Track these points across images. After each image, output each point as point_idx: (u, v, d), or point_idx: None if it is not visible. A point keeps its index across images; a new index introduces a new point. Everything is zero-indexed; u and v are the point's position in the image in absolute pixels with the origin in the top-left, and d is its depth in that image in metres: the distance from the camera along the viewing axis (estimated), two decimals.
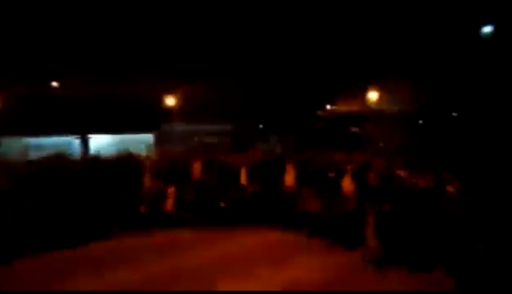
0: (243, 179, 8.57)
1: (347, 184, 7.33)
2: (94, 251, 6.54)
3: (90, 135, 16.01)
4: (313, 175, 7.86)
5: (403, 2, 10.39)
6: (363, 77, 11.26)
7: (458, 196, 5.90)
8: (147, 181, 8.52)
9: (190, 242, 7.05)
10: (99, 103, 15.38)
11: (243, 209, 8.08)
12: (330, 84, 12.27)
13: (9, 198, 6.90)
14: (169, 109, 14.42)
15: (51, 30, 12.54)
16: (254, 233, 7.41)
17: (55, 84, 15.19)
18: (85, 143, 15.89)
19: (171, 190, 8.34)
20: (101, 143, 15.48)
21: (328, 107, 13.38)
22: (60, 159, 9.09)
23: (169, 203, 8.29)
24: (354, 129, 11.94)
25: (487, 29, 10.73)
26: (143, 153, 12.41)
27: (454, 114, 11.83)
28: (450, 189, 6.06)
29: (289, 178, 8.17)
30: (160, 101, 14.32)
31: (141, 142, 15.12)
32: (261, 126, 14.42)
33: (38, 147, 13.32)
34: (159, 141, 15.92)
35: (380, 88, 11.18)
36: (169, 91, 13.88)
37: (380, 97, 11.26)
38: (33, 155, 11.33)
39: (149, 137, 16.24)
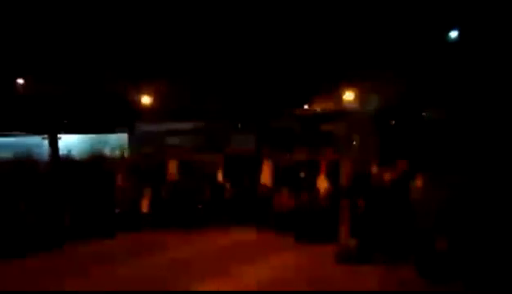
0: (219, 178, 8.55)
1: (321, 182, 7.48)
2: (58, 258, 6.36)
3: (59, 135, 15.36)
4: (287, 175, 7.97)
5: (375, 5, 10.76)
6: (336, 77, 11.54)
7: (423, 190, 6.15)
8: (121, 182, 8.32)
9: (162, 242, 7.01)
10: (69, 102, 14.80)
11: (218, 209, 8.08)
12: (305, 83, 12.46)
13: None
14: (143, 108, 14.12)
15: (17, 23, 11.95)
16: (228, 233, 7.47)
17: (20, 81, 14.46)
18: (54, 143, 15.22)
19: (146, 191, 8.21)
20: (71, 143, 14.90)
21: (302, 106, 13.57)
22: (25, 160, 8.67)
23: (145, 204, 8.16)
24: (327, 128, 12.20)
25: (454, 34, 11.36)
26: (116, 153, 12.11)
27: (423, 114, 12.38)
28: (417, 183, 6.31)
29: (265, 177, 8.24)
30: (134, 100, 13.99)
31: (114, 142, 14.71)
32: (239, 125, 14.41)
33: (3, 147, 12.66)
34: (132, 141, 15.54)
35: (354, 88, 11.51)
36: (144, 90, 13.60)
37: (353, 97, 11.60)
38: None
39: (122, 137, 15.81)
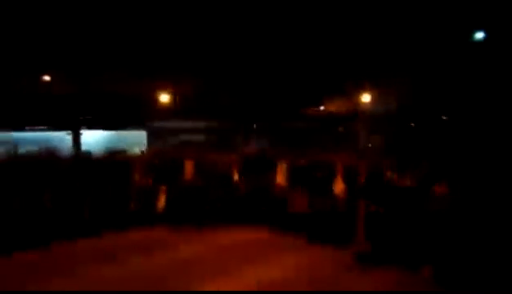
0: (234, 177, 8.59)
1: (336, 183, 7.39)
2: (71, 250, 6.53)
3: (82, 131, 15.87)
4: (302, 175, 7.91)
5: (395, 5, 10.52)
6: (352, 77, 11.37)
7: (446, 195, 5.97)
8: (138, 179, 8.50)
9: (173, 239, 7.09)
10: (92, 98, 15.27)
11: (233, 209, 8.11)
12: (320, 84, 12.35)
13: None
14: (161, 106, 14.40)
15: (43, 24, 12.44)
16: (241, 232, 7.47)
17: (47, 78, 15.03)
18: (77, 138, 15.74)
19: (162, 189, 8.34)
20: (92, 139, 15.37)
21: (317, 107, 13.45)
22: (47, 155, 9.00)
23: (160, 202, 8.28)
24: (342, 129, 12.03)
25: (479, 35, 10.94)
26: (135, 149, 12.37)
27: (444, 117, 11.98)
28: (438, 189, 6.13)
29: (280, 177, 8.21)
30: (153, 98, 14.30)
31: (132, 138, 15.06)
32: (254, 125, 14.46)
33: (29, 142, 13.19)
34: (151, 138, 15.87)
35: (369, 89, 11.31)
36: (162, 89, 13.89)
37: (369, 98, 11.39)
38: (24, 150, 11.22)
39: (141, 134, 16.17)
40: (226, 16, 11.98)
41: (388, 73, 10.11)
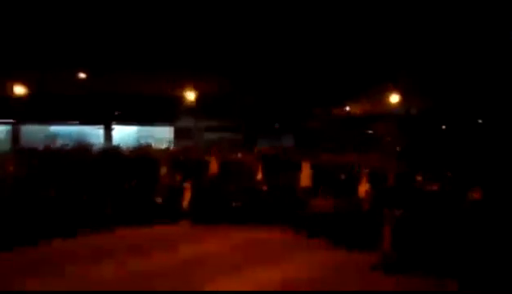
0: (258, 176, 8.61)
1: (361, 186, 7.22)
2: (98, 241, 6.73)
3: (113, 126, 16.52)
4: (326, 176, 7.79)
5: (428, 4, 10.08)
6: (380, 78, 11.01)
7: (481, 203, 5.66)
8: (164, 175, 8.72)
9: (199, 236, 7.19)
10: (123, 96, 15.87)
11: (256, 207, 8.12)
12: (345, 84, 12.08)
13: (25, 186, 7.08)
14: (188, 105, 14.70)
15: (81, 25, 13.08)
16: (263, 232, 7.45)
17: (82, 76, 15.75)
18: (108, 133, 16.41)
19: (187, 185, 8.49)
20: (123, 133, 15.96)
21: (343, 108, 13.17)
22: (80, 149, 9.44)
23: (186, 197, 8.44)
24: (369, 131, 11.68)
25: None
26: (162, 145, 12.72)
27: (479, 121, 11.31)
28: (473, 195, 5.82)
29: (303, 177, 8.14)
30: (180, 97, 14.63)
31: (161, 135, 15.47)
32: (276, 124, 14.41)
33: (65, 135, 13.92)
34: (177, 135, 16.23)
35: (398, 89, 10.89)
36: (189, 88, 14.18)
37: (398, 100, 10.98)
38: (60, 143, 11.88)
39: (169, 130, 16.57)
40: (254, 18, 12.02)
41: (419, 74, 9.69)
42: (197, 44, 13.09)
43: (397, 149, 10.38)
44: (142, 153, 9.87)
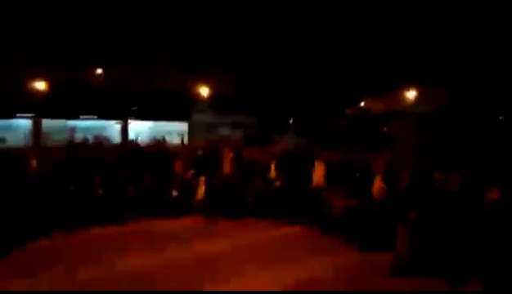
0: (271, 173, 8.62)
1: (376, 185, 7.11)
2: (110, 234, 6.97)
3: (129, 121, 16.81)
4: (340, 174, 7.71)
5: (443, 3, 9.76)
6: (395, 75, 10.76)
7: (499, 202, 5.49)
8: (179, 169, 8.86)
9: (212, 231, 7.30)
10: (139, 91, 16.12)
11: (270, 204, 8.15)
12: (361, 82, 11.88)
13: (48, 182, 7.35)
14: (203, 101, 14.81)
15: (99, 23, 13.32)
16: (273, 229, 7.47)
17: (99, 71, 16.06)
18: (125, 127, 16.72)
19: (201, 180, 8.60)
20: (139, 128, 16.23)
21: (358, 105, 12.94)
22: (98, 143, 9.66)
23: (200, 192, 8.56)
24: (384, 129, 11.43)
25: None
26: (177, 140, 12.87)
27: (500, 118, 10.94)
28: (492, 195, 5.65)
29: (318, 175, 8.09)
30: (195, 93, 14.75)
31: (175, 130, 15.64)
32: (290, 121, 14.34)
33: (82, 130, 14.26)
34: (192, 130, 16.38)
35: (414, 86, 10.62)
36: (204, 84, 14.28)
37: (414, 97, 10.71)
38: (78, 137, 12.21)
39: (183, 126, 16.75)
40: (270, 15, 11.94)
41: (436, 70, 9.41)
42: (213, 41, 13.14)
43: (414, 147, 10.15)
44: (158, 148, 10.02)
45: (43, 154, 8.27)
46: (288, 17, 11.67)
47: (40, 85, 14.20)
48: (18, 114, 14.57)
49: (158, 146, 10.48)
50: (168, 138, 12.43)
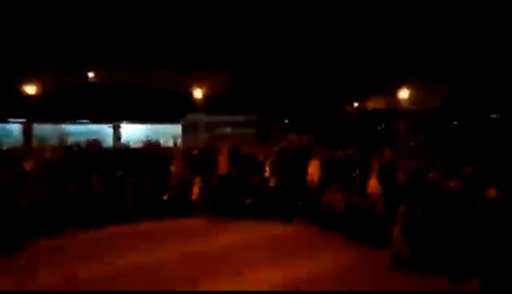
0: (267, 171, 8.56)
1: (373, 183, 7.10)
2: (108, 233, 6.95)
3: (122, 124, 16.65)
4: (338, 172, 7.68)
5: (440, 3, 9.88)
6: (393, 74, 10.84)
7: (496, 200, 5.51)
8: (174, 169, 8.75)
9: (209, 230, 7.22)
10: (131, 94, 15.99)
11: (268, 202, 8.08)
12: (360, 80, 11.95)
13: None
14: (196, 100, 14.73)
15: (87, 24, 13.19)
16: (271, 226, 7.40)
17: (91, 75, 15.90)
18: (117, 131, 16.56)
19: (197, 179, 8.51)
20: (131, 131, 16.08)
21: (356, 103, 13.01)
22: (93, 146, 9.53)
23: (195, 192, 8.46)
24: (382, 126, 11.49)
25: None
26: (171, 142, 12.76)
27: (494, 116, 11.06)
28: (490, 193, 5.67)
29: (315, 173, 8.04)
30: (187, 92, 14.65)
31: (169, 132, 15.52)
32: (286, 120, 14.33)
33: (75, 133, 14.06)
34: (186, 131, 16.29)
35: (412, 86, 10.71)
36: (196, 83, 14.19)
37: (412, 95, 10.78)
38: (70, 142, 12.00)
39: (177, 127, 16.63)
40: (267, 13, 11.94)
41: (433, 69, 9.51)
42: (209, 39, 13.07)
43: (411, 144, 10.19)
44: (152, 150, 9.91)
45: (38, 156, 8.15)
46: (288, 17, 11.65)
47: (31, 89, 13.99)
48: (10, 119, 14.36)
49: (152, 148, 10.37)
50: (162, 140, 12.32)
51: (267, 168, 8.58)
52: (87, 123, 16.21)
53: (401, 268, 5.38)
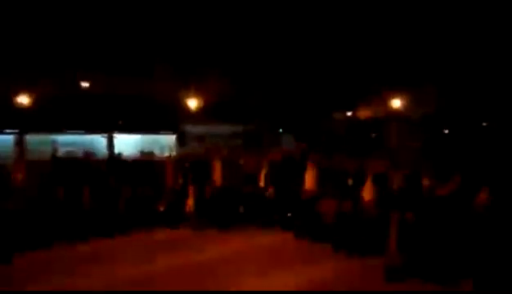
0: (261, 180, 8.56)
1: (366, 191, 7.13)
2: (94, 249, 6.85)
3: (115, 135, 16.57)
4: (331, 181, 7.71)
5: (428, 10, 10.12)
6: (385, 81, 11.01)
7: (487, 205, 5.58)
8: (168, 180, 8.71)
9: (202, 241, 7.19)
10: (124, 104, 15.97)
11: (260, 212, 8.07)
12: (351, 88, 12.10)
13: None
14: (189, 111, 14.76)
15: (80, 33, 13.23)
16: (267, 237, 7.41)
17: (85, 85, 15.87)
18: (110, 141, 16.45)
19: (191, 190, 8.48)
20: (125, 142, 15.98)
21: (349, 111, 13.16)
22: (86, 156, 9.45)
23: (189, 203, 8.42)
24: (374, 134, 11.63)
25: None
26: (165, 153, 12.70)
27: (484, 124, 11.25)
28: (479, 198, 5.74)
29: (308, 182, 8.06)
30: (182, 103, 14.68)
31: (163, 142, 15.47)
32: (280, 130, 14.41)
33: (67, 144, 13.92)
34: (179, 142, 16.25)
35: (403, 93, 10.89)
36: (191, 94, 14.25)
37: (403, 103, 10.96)
38: (62, 152, 11.87)
39: (170, 138, 16.60)
40: (256, 19, 12.08)
41: (424, 77, 9.68)
42: (202, 46, 13.15)
43: (403, 151, 10.31)
44: (146, 160, 9.85)
45: (29, 168, 8.06)
46: (278, 24, 11.78)
47: (23, 99, 13.91)
48: (2, 130, 14.22)
49: (144, 158, 10.31)
50: (156, 151, 12.26)
51: (262, 178, 8.58)
52: (80, 134, 16.10)
53: (394, 274, 5.39)
